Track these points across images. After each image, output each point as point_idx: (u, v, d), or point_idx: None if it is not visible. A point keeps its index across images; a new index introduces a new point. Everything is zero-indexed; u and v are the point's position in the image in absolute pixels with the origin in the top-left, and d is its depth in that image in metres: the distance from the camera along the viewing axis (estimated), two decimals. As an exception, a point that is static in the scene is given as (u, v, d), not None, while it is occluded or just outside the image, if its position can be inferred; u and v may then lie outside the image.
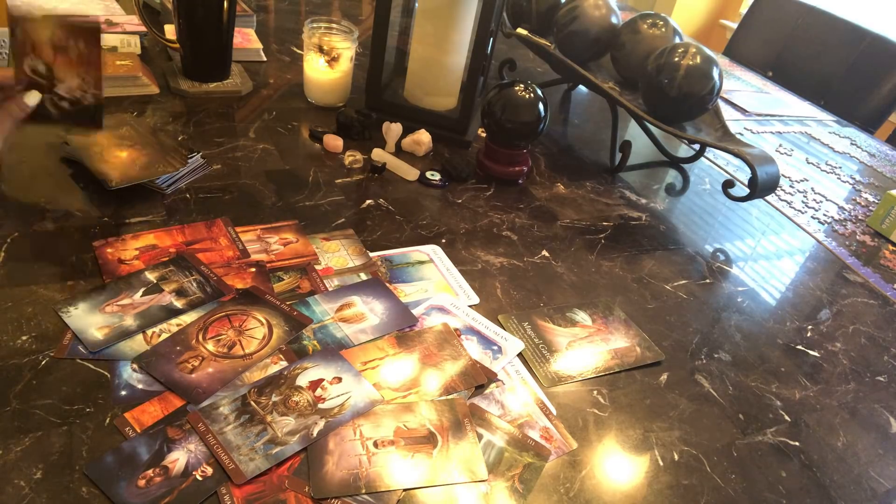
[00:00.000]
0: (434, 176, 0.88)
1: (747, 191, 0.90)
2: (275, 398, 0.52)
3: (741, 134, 1.32)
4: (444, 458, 0.50)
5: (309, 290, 0.64)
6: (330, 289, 0.65)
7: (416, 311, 0.64)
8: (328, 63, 0.97)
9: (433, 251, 0.74)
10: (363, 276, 0.67)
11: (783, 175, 1.17)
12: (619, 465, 0.54)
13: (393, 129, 0.91)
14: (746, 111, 1.46)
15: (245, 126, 0.91)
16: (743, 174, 1.14)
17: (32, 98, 0.61)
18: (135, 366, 0.52)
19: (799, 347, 0.74)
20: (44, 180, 0.71)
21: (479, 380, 0.58)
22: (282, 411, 0.51)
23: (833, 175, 1.24)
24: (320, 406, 0.52)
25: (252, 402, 0.51)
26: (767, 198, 1.08)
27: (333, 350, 0.57)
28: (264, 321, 0.59)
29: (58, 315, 0.55)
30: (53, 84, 0.61)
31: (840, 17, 1.79)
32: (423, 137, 0.93)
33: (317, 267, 0.67)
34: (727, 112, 1.42)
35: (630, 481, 0.53)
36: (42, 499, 0.42)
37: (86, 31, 0.61)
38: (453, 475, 0.49)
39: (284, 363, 0.55)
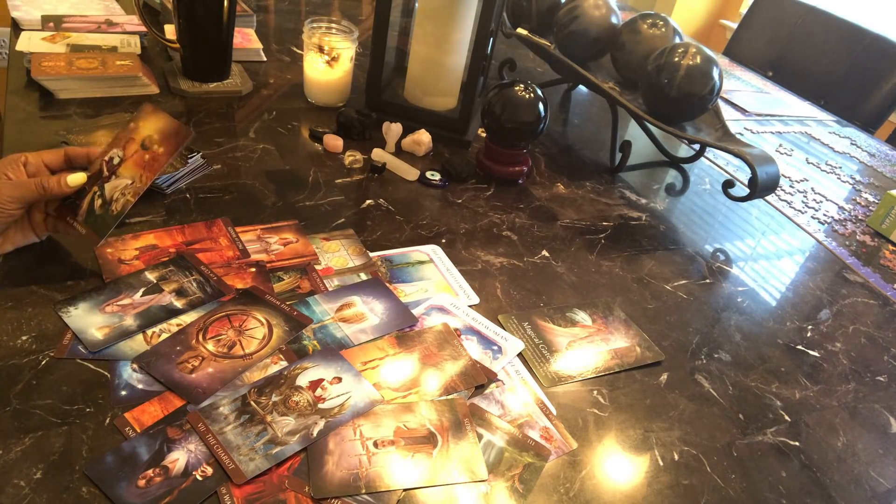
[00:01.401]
0: (434, 176, 0.88)
1: (747, 191, 0.90)
2: (275, 398, 0.52)
3: (741, 134, 1.32)
4: (444, 458, 0.50)
5: (309, 290, 0.64)
6: (330, 289, 0.65)
7: (416, 311, 0.64)
8: (328, 63, 0.97)
9: (433, 251, 0.74)
10: (363, 276, 0.67)
11: (783, 175, 1.17)
12: (619, 465, 0.54)
13: (393, 129, 0.91)
14: (746, 111, 1.46)
15: (245, 126, 0.91)
16: (743, 174, 1.14)
17: (75, 180, 0.57)
18: (135, 366, 0.52)
19: (799, 347, 0.74)
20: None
21: (479, 380, 0.58)
22: (282, 411, 0.51)
23: (833, 175, 1.24)
24: (320, 406, 0.52)
25: (252, 402, 0.51)
26: (767, 198, 1.08)
27: (333, 350, 0.57)
28: (264, 321, 0.59)
29: (58, 315, 0.55)
30: (107, 179, 0.59)
31: (840, 17, 1.79)
32: (423, 137, 0.93)
33: (317, 267, 0.67)
34: (727, 112, 1.42)
35: (630, 481, 0.53)
36: (42, 499, 0.42)
37: (177, 136, 0.59)
38: (453, 475, 0.49)
39: (284, 363, 0.55)
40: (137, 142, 0.59)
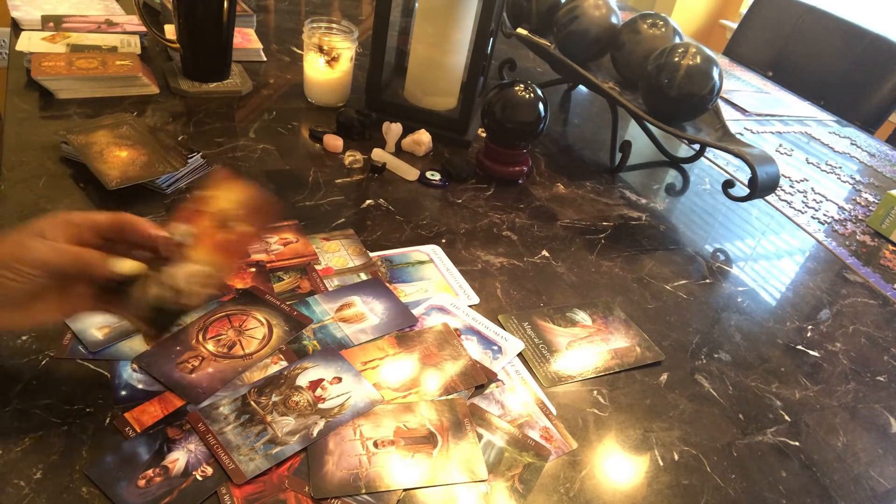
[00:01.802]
0: (434, 176, 0.88)
1: (747, 191, 0.90)
2: (275, 398, 0.52)
3: (741, 134, 1.32)
4: (444, 458, 0.50)
5: (309, 290, 0.64)
6: (330, 289, 0.65)
7: (416, 311, 0.64)
8: (328, 63, 0.97)
9: (433, 251, 0.74)
10: (363, 276, 0.67)
11: (783, 175, 1.17)
12: (619, 465, 0.54)
13: (393, 129, 0.91)
14: (746, 111, 1.46)
15: (245, 126, 0.91)
16: (743, 174, 1.14)
17: (126, 268, 0.45)
18: (135, 366, 0.52)
19: (799, 347, 0.74)
20: (44, 180, 0.71)
21: (479, 380, 0.58)
22: (282, 411, 0.51)
23: (833, 175, 1.24)
24: (320, 406, 0.52)
25: (252, 402, 0.51)
26: (767, 198, 1.08)
27: (333, 350, 0.57)
28: (264, 321, 0.59)
29: (58, 315, 0.55)
30: (172, 262, 0.47)
31: (840, 17, 1.79)
32: (423, 137, 0.93)
33: (317, 267, 0.67)
34: (727, 112, 1.42)
35: (630, 481, 0.53)
36: (42, 499, 0.42)
37: (265, 212, 0.50)
38: (453, 475, 0.49)
39: (284, 363, 0.55)
40: (213, 217, 0.49)
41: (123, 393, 0.50)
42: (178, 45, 0.94)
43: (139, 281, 0.45)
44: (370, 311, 0.63)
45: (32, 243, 0.42)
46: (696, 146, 1.13)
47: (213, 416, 0.49)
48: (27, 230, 0.43)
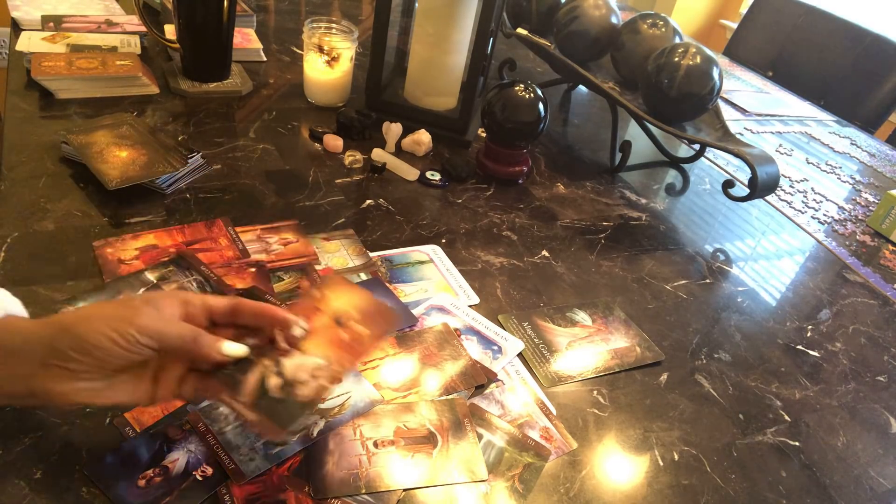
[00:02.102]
0: (434, 176, 0.88)
1: (747, 191, 0.90)
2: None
3: (741, 134, 1.32)
4: (444, 458, 0.50)
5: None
6: (330, 289, 0.65)
7: (416, 311, 0.64)
8: (328, 63, 0.97)
9: (433, 251, 0.74)
10: (363, 276, 0.67)
11: (783, 175, 1.17)
12: (619, 465, 0.54)
13: (393, 129, 0.91)
14: (746, 111, 1.46)
15: (245, 126, 0.91)
16: (743, 174, 1.14)
17: (234, 351, 0.43)
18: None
19: (799, 347, 0.74)
20: (44, 180, 0.71)
21: (479, 380, 0.58)
22: None
23: (833, 175, 1.24)
24: (320, 406, 0.52)
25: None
26: (767, 198, 1.08)
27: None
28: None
29: (58, 315, 0.55)
30: (285, 353, 0.45)
31: (840, 17, 1.79)
32: (423, 137, 0.93)
33: (317, 267, 0.67)
34: (727, 112, 1.42)
35: (630, 481, 0.53)
36: (42, 499, 0.42)
37: (385, 320, 0.49)
38: (453, 475, 0.49)
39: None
40: (328, 315, 0.48)
41: (123, 393, 0.50)
42: (178, 45, 0.94)
43: (250, 367, 0.43)
44: (370, 311, 0.63)
45: (148, 311, 0.40)
46: (696, 146, 1.13)
47: (213, 416, 0.49)
48: (142, 299, 0.42)
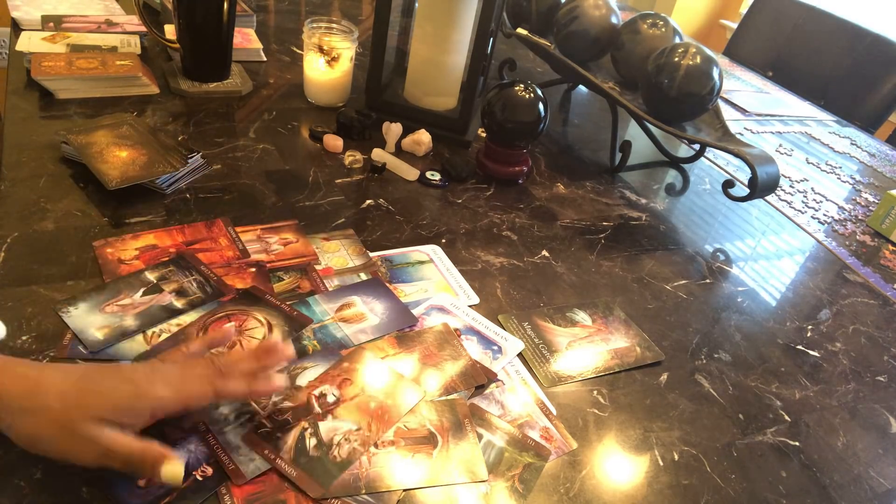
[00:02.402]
0: (434, 176, 0.88)
1: (747, 191, 0.90)
2: (274, 398, 0.51)
3: (741, 134, 1.32)
4: (445, 459, 0.50)
5: (309, 290, 0.64)
6: (330, 289, 0.65)
7: (416, 311, 0.64)
8: (328, 63, 0.97)
9: (433, 251, 0.74)
10: (363, 276, 0.67)
11: (783, 175, 1.17)
12: (619, 465, 0.54)
13: (393, 129, 0.91)
14: (746, 111, 1.46)
15: (245, 126, 0.91)
16: (743, 174, 1.14)
17: (275, 380, 0.47)
18: (135, 366, 0.52)
19: (799, 347, 0.74)
20: (44, 180, 0.71)
21: (479, 380, 0.58)
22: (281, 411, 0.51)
23: (833, 175, 1.24)
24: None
25: (252, 403, 0.51)
26: (767, 198, 1.08)
27: (334, 349, 0.57)
28: (264, 321, 0.58)
29: (58, 315, 0.55)
30: (321, 417, 0.50)
31: (840, 17, 1.79)
32: (423, 137, 0.93)
33: (317, 267, 0.67)
34: (727, 112, 1.42)
35: (630, 481, 0.53)
36: (42, 499, 0.42)
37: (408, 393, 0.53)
38: (454, 476, 0.49)
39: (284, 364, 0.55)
40: (358, 386, 0.54)
41: (123, 393, 0.50)
42: (178, 45, 0.94)
43: (289, 428, 0.49)
44: (370, 311, 0.63)
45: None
46: (696, 146, 1.13)
47: (213, 416, 0.49)
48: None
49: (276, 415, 0.50)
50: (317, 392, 0.52)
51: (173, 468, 0.42)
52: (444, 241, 0.76)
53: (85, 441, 0.40)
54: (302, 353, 0.57)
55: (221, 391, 0.45)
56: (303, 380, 0.54)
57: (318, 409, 0.51)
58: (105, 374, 0.43)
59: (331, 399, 0.52)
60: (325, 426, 0.50)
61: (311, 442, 0.48)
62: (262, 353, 0.48)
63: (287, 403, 0.51)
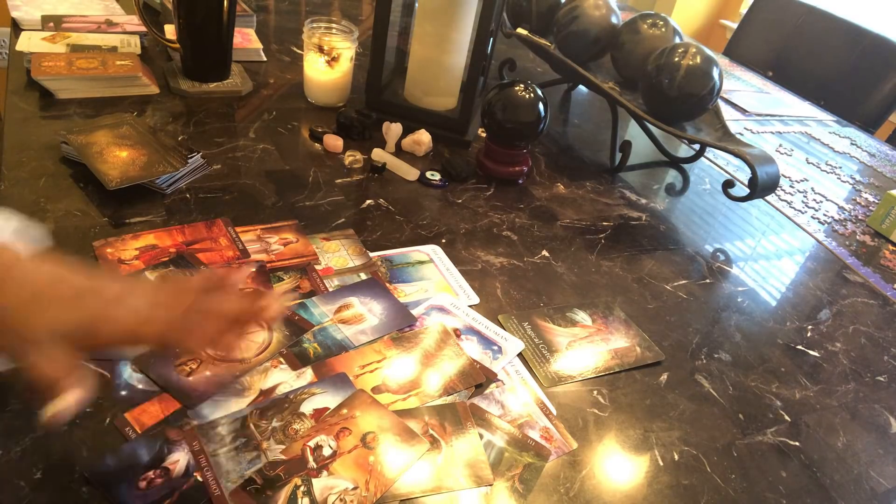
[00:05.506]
0: (434, 176, 0.88)
1: (747, 191, 0.90)
2: (275, 423, 0.50)
3: (741, 134, 1.32)
4: (448, 463, 0.50)
5: (309, 290, 0.64)
6: (330, 289, 0.65)
7: (416, 311, 0.64)
8: (328, 63, 0.97)
9: (433, 251, 0.74)
10: (363, 276, 0.67)
11: (783, 175, 1.17)
12: (619, 465, 0.54)
13: (393, 129, 0.91)
14: (746, 111, 1.46)
15: (245, 126, 0.91)
16: (743, 174, 1.14)
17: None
18: (134, 366, 0.52)
19: (799, 347, 0.74)
20: (44, 180, 0.71)
21: (478, 380, 0.58)
22: (279, 439, 0.49)
23: (833, 175, 1.24)
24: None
25: (251, 425, 0.49)
26: (767, 198, 1.07)
27: (345, 378, 0.55)
28: (264, 325, 0.58)
29: (58, 315, 0.55)
30: (315, 473, 0.47)
31: (840, 17, 1.79)
32: (423, 137, 0.93)
33: (317, 267, 0.67)
34: (727, 112, 1.42)
35: (630, 481, 0.53)
36: (42, 499, 0.42)
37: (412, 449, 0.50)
38: (459, 480, 0.49)
39: (284, 366, 0.55)
40: (357, 436, 0.50)
41: (123, 393, 0.50)
42: (178, 45, 0.94)
43: (281, 485, 0.46)
44: (368, 312, 0.63)
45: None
46: (696, 146, 1.13)
47: (210, 435, 0.48)
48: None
49: (267, 469, 0.47)
50: (312, 444, 0.49)
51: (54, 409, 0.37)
52: (444, 241, 0.76)
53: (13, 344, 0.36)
54: (302, 357, 0.56)
55: (178, 345, 0.42)
56: (308, 407, 0.52)
57: (312, 464, 0.47)
58: (74, 285, 0.39)
59: (327, 452, 0.48)
60: (319, 484, 0.46)
61: (303, 502, 0.45)
62: (217, 280, 0.45)
63: (281, 456, 0.47)
